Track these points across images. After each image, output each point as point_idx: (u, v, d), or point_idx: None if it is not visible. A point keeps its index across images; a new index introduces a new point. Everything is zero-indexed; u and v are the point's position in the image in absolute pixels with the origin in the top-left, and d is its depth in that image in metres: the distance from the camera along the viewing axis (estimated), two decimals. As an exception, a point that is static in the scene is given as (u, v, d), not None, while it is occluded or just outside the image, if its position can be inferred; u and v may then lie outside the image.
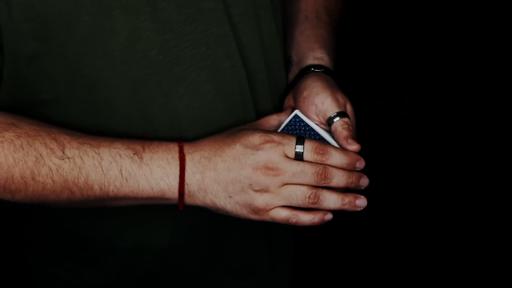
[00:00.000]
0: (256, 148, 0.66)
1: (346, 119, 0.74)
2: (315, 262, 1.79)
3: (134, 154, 0.67)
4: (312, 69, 0.81)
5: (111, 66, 0.69)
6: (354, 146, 0.71)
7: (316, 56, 0.83)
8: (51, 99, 0.71)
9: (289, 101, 0.80)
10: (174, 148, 0.68)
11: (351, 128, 0.73)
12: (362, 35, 2.19)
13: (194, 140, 0.73)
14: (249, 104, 0.78)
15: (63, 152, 0.66)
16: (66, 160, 0.66)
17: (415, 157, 2.12)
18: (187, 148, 0.68)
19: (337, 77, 0.81)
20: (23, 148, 0.65)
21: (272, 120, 0.76)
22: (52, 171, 0.65)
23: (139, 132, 0.73)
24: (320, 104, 0.75)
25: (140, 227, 0.80)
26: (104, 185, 0.67)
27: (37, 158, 0.65)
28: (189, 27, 0.71)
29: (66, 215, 0.81)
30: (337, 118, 0.74)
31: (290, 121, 0.75)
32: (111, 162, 0.66)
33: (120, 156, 0.67)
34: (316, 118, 0.76)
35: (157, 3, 0.68)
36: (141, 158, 0.67)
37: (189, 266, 0.85)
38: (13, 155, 0.65)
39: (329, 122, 0.74)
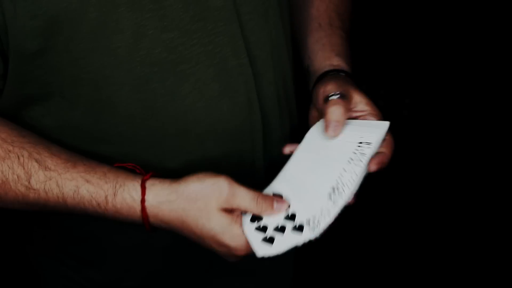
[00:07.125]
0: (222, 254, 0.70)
1: (340, 99, 0.74)
2: (315, 264, 1.79)
3: (97, 204, 0.68)
4: (330, 73, 0.81)
5: (115, 64, 0.68)
6: (331, 133, 0.72)
7: (333, 63, 0.83)
8: (56, 93, 0.70)
9: (312, 117, 0.81)
10: (138, 209, 0.68)
11: (344, 108, 0.73)
12: (362, 35, 2.18)
13: (196, 139, 0.74)
14: (255, 104, 0.77)
15: (29, 182, 0.67)
16: (32, 191, 0.68)
17: (415, 157, 2.11)
18: (152, 217, 0.68)
19: (355, 78, 0.82)
20: None
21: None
22: (18, 197, 0.68)
23: (142, 130, 0.72)
24: (323, 88, 0.76)
25: (144, 225, 0.79)
26: (73, 215, 0.70)
27: (3, 181, 0.68)
28: (196, 25, 0.70)
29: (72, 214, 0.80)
30: (333, 97, 0.74)
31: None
32: (77, 204, 0.68)
33: (84, 204, 0.68)
34: (320, 102, 0.76)
35: (163, 0, 0.67)
36: (105, 210, 0.68)
37: (191, 264, 0.85)
38: None
39: (325, 100, 0.75)
